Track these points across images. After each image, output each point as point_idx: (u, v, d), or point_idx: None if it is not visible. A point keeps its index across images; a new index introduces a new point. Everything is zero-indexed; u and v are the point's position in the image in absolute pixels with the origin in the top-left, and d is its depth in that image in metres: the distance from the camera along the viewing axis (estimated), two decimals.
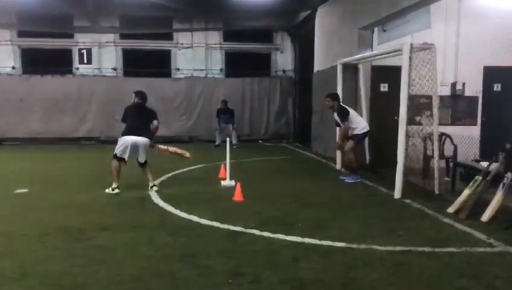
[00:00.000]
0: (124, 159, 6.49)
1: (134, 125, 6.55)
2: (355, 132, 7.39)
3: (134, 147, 6.54)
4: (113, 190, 6.38)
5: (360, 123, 7.44)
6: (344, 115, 7.34)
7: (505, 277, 3.42)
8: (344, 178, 7.47)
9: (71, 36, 14.17)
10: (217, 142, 12.74)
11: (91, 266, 3.58)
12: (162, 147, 6.95)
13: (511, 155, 5.49)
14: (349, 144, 7.34)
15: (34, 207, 5.62)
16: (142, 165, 6.71)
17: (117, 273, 3.44)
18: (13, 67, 13.95)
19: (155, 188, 6.58)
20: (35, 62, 13.83)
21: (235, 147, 12.03)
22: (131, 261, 3.70)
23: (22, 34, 13.95)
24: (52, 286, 3.22)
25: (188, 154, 7.00)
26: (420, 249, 4.02)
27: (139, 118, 6.64)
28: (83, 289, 3.18)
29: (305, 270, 3.52)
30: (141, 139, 6.52)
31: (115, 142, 6.68)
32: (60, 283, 3.25)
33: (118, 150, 6.49)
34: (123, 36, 14.40)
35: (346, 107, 7.52)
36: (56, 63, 13.95)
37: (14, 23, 13.60)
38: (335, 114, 7.54)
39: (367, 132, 7.52)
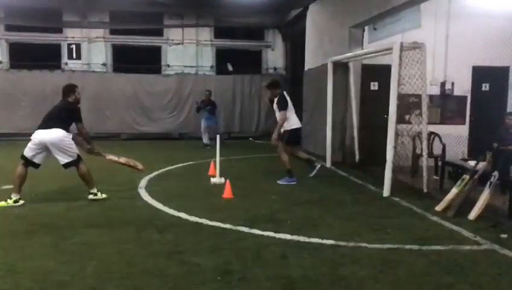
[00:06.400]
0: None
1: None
2: (285, 128, 7.03)
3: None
4: (15, 202, 5.42)
5: (291, 120, 7.05)
6: (284, 103, 7.03)
7: (491, 274, 3.46)
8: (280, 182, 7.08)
9: (60, 31, 14.02)
10: (205, 141, 12.02)
11: (78, 263, 3.55)
12: (112, 157, 6.01)
13: (498, 154, 5.57)
14: (280, 145, 7.03)
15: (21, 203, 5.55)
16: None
17: (105, 271, 3.41)
18: (0, 62, 13.76)
19: (91, 196, 5.71)
20: (23, 57, 13.64)
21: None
22: (119, 258, 3.68)
23: (9, 28, 13.77)
24: (39, 282, 3.18)
25: (140, 167, 6.15)
26: (408, 246, 4.05)
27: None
28: (70, 286, 3.15)
29: (293, 267, 3.53)
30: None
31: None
32: (47, 280, 3.22)
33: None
34: (113, 31, 14.27)
35: (287, 97, 7.21)
36: (45, 57, 13.77)
37: (2, 17, 13.41)
38: (275, 101, 7.22)
39: (297, 129, 7.19)
